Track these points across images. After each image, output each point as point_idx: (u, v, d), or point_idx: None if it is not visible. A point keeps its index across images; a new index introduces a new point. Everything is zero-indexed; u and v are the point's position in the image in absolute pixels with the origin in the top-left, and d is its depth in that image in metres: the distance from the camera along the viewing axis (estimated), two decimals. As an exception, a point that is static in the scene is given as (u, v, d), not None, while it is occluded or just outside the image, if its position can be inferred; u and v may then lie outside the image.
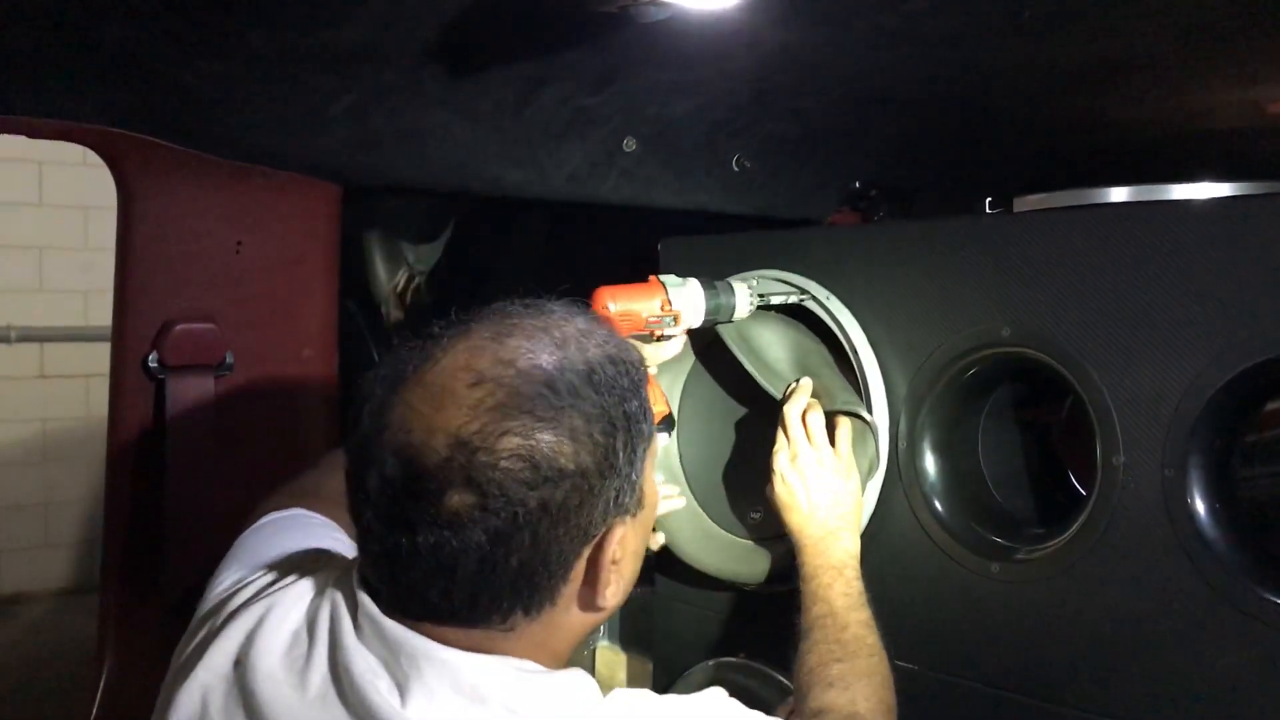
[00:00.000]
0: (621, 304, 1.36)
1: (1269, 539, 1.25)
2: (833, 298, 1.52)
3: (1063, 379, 1.31)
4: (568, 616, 0.93)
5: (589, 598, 0.93)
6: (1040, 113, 1.94)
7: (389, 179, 1.83)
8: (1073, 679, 1.29)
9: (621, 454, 0.90)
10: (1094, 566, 1.27)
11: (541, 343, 0.89)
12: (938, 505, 1.44)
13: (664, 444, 1.68)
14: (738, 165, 2.00)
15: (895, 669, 1.24)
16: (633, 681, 2.06)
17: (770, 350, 1.54)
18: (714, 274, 1.49)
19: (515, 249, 2.57)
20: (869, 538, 1.43)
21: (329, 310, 1.85)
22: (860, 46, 1.56)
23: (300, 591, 0.97)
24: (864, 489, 1.44)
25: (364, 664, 0.88)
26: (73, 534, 4.85)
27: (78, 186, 4.59)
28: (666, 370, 1.69)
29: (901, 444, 1.47)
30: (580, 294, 1.33)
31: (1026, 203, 1.49)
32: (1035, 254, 1.33)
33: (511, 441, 0.84)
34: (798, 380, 1.47)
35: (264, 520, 1.17)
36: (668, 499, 1.59)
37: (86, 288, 4.70)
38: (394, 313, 2.63)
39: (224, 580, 1.08)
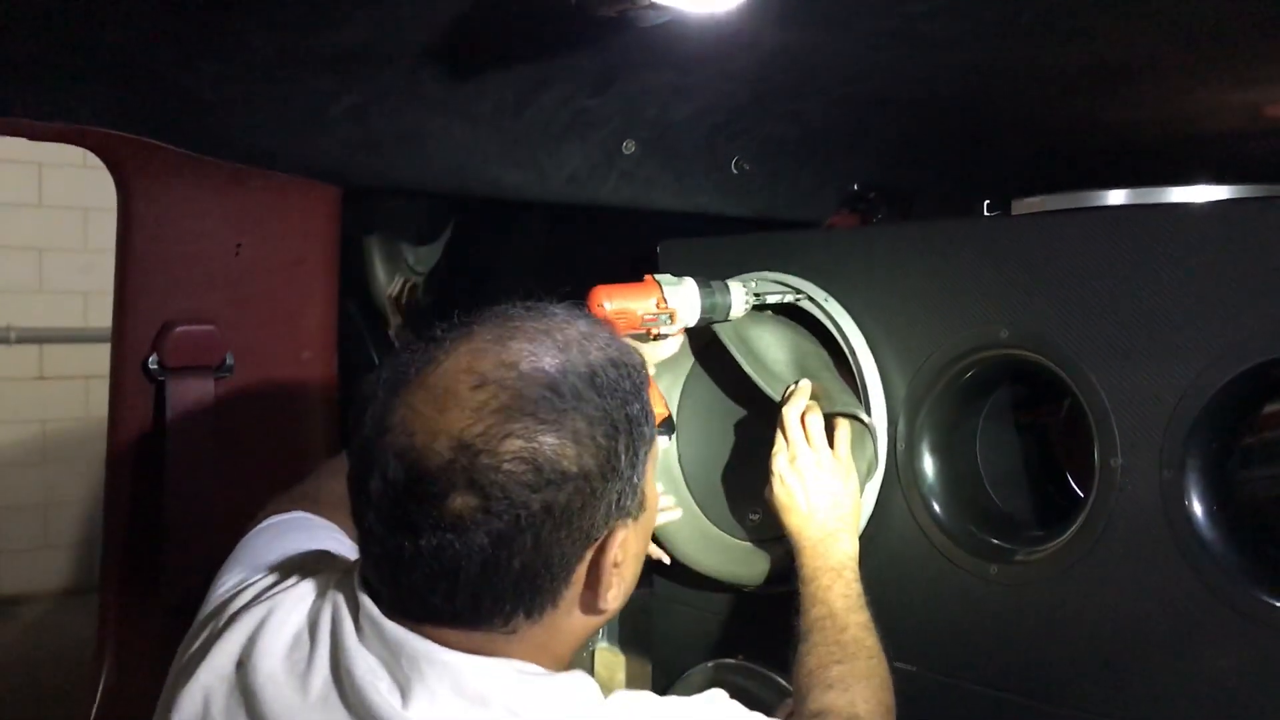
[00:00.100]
0: (617, 303, 1.37)
1: (1267, 541, 1.25)
2: (831, 299, 1.53)
3: (1061, 381, 1.32)
4: (569, 619, 0.93)
5: (590, 600, 0.93)
6: (1039, 115, 1.94)
7: (389, 181, 1.83)
8: (1071, 680, 1.29)
9: (624, 457, 0.90)
10: (1092, 568, 1.27)
11: (544, 345, 0.90)
12: (936, 507, 1.45)
13: (664, 446, 1.69)
14: (737, 167, 2.00)
15: (894, 671, 1.25)
16: (631, 683, 2.06)
17: (769, 352, 1.55)
18: (713, 276, 1.49)
19: (515, 251, 2.57)
20: (868, 539, 1.43)
21: (329, 312, 1.85)
22: (859, 49, 1.57)
23: (302, 593, 0.97)
24: (862, 491, 1.44)
25: (365, 666, 0.88)
26: (72, 535, 4.85)
27: (77, 188, 4.58)
28: (666, 373, 1.69)
29: (900, 446, 1.47)
30: (581, 296, 1.33)
31: (1025, 205, 1.49)
32: (1033, 256, 1.33)
33: (514, 444, 0.84)
34: (796, 382, 1.48)
35: (266, 523, 1.17)
36: (665, 510, 1.59)
37: (86, 289, 4.70)
38: (393, 318, 2.63)
39: (226, 582, 1.08)
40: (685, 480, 1.73)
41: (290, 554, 1.09)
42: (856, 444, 1.44)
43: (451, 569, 0.85)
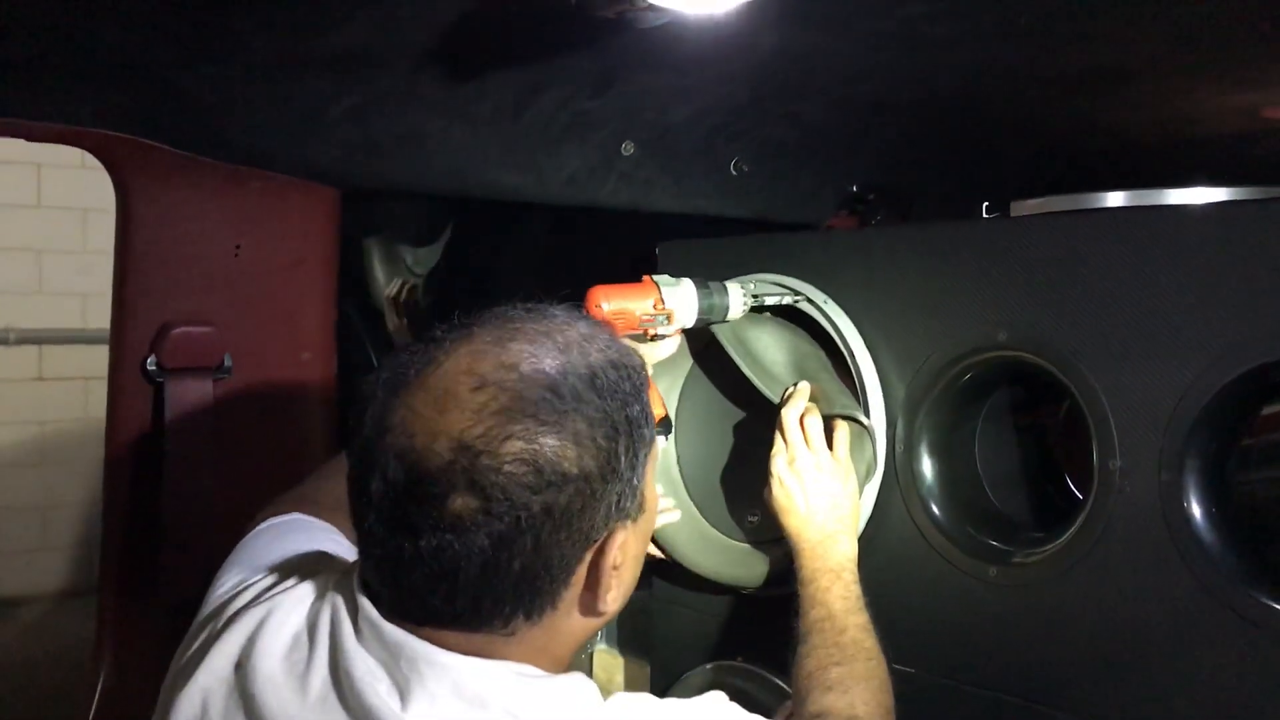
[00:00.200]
0: (615, 303, 1.37)
1: (1265, 543, 1.26)
2: (830, 301, 1.53)
3: (1060, 383, 1.32)
4: (569, 621, 0.93)
5: (590, 602, 0.93)
6: (1037, 117, 1.94)
7: (388, 182, 1.83)
8: (1070, 682, 1.29)
9: (624, 458, 0.90)
10: (1091, 570, 1.27)
11: (544, 347, 0.89)
12: (935, 509, 1.45)
13: (661, 447, 1.69)
14: (736, 169, 2.00)
15: (893, 672, 1.25)
16: (630, 685, 2.06)
17: (768, 354, 1.55)
18: (712, 277, 1.49)
19: (514, 252, 2.57)
20: (866, 541, 1.43)
21: (328, 313, 1.85)
22: (858, 51, 1.57)
23: (301, 595, 0.97)
24: (861, 493, 1.44)
25: (364, 667, 0.88)
26: (71, 536, 4.85)
27: (76, 189, 4.58)
28: (665, 374, 1.69)
29: (899, 448, 1.47)
30: (580, 297, 1.33)
31: (1023, 207, 1.49)
32: (1032, 258, 1.33)
33: (515, 445, 0.84)
34: (795, 384, 1.48)
35: (264, 525, 1.17)
36: (664, 511, 1.59)
37: (85, 290, 4.70)
38: (391, 320, 2.63)
39: (224, 584, 1.08)
40: (684, 482, 1.73)
41: (289, 555, 1.09)
42: (855, 446, 1.44)
43: (451, 570, 0.85)
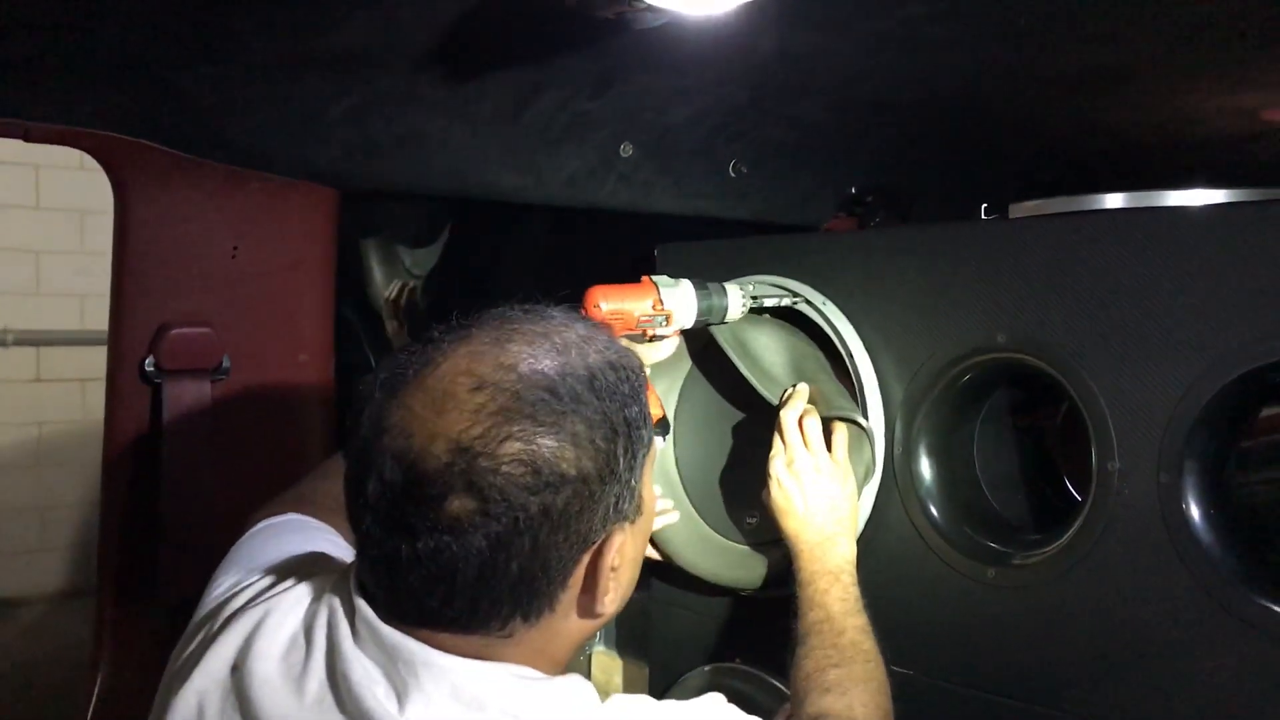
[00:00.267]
0: (613, 303, 1.36)
1: (1264, 545, 1.26)
2: (829, 303, 1.53)
3: (1058, 385, 1.32)
4: (566, 623, 0.93)
5: (588, 604, 0.93)
6: (1036, 118, 1.94)
7: (387, 184, 1.83)
8: (1068, 684, 1.29)
9: (622, 460, 0.90)
10: (1089, 571, 1.27)
11: (543, 348, 0.89)
12: (933, 510, 1.45)
13: (658, 448, 1.68)
14: (735, 170, 2.00)
15: (891, 674, 1.24)
16: (628, 686, 2.05)
17: (767, 355, 1.55)
18: (711, 278, 1.49)
19: (513, 253, 2.57)
20: (865, 543, 1.43)
21: (326, 314, 1.85)
22: (857, 52, 1.57)
23: (297, 596, 0.97)
24: (860, 494, 1.44)
25: (361, 670, 0.88)
26: (68, 538, 4.84)
27: (74, 190, 4.58)
28: (663, 375, 1.69)
29: (897, 449, 1.47)
30: (579, 298, 1.33)
31: (1022, 209, 1.49)
32: (1031, 260, 1.33)
33: (513, 446, 0.84)
34: (794, 386, 1.48)
35: (260, 525, 1.17)
36: (662, 513, 1.59)
37: (83, 291, 4.69)
38: (389, 321, 2.63)
39: (221, 585, 1.08)
40: (683, 483, 1.73)
41: (285, 556, 1.09)
42: (854, 447, 1.44)
43: (449, 572, 0.84)
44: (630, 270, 1.46)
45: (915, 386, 1.45)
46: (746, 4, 1.15)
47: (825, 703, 1.18)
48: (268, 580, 1.03)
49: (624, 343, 1.01)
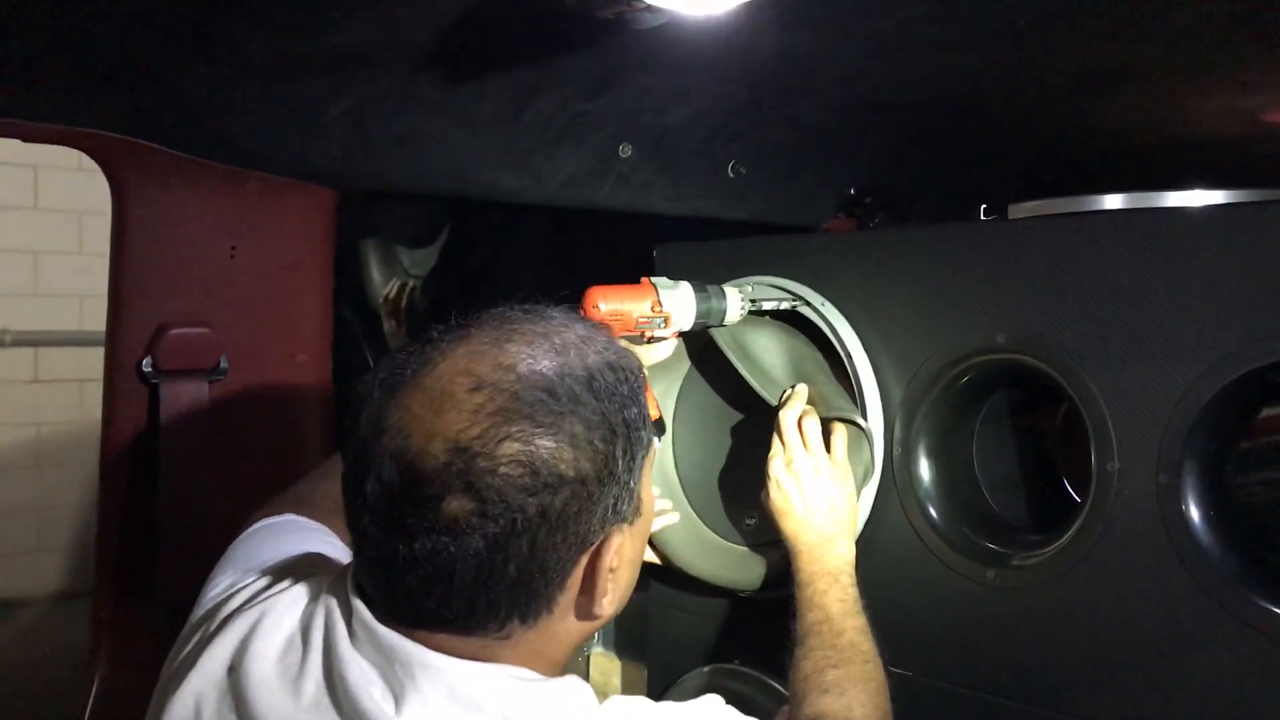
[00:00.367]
0: (612, 304, 1.36)
1: (1263, 545, 1.25)
2: (828, 304, 1.53)
3: (1057, 385, 1.31)
4: (564, 625, 0.92)
5: (586, 606, 0.92)
6: (1036, 120, 1.94)
7: (385, 184, 1.83)
8: (1067, 685, 1.29)
9: (620, 461, 0.90)
10: (1089, 572, 1.27)
11: (541, 348, 0.89)
12: (932, 511, 1.45)
13: (656, 448, 1.68)
14: (734, 171, 2.00)
15: (890, 675, 1.24)
16: (627, 688, 2.05)
17: (766, 356, 1.55)
18: (710, 279, 1.49)
19: (512, 254, 2.57)
20: (864, 544, 1.43)
21: (324, 315, 1.85)
22: (856, 53, 1.56)
23: (294, 597, 0.97)
24: (859, 495, 1.44)
25: (358, 671, 0.88)
26: (66, 539, 4.84)
27: (73, 191, 4.58)
28: (662, 376, 1.69)
29: (896, 450, 1.47)
30: (578, 299, 1.33)
31: (1021, 209, 1.49)
32: (1030, 261, 1.33)
33: (511, 447, 0.83)
34: (793, 386, 1.47)
35: (257, 526, 1.17)
36: (661, 514, 1.59)
37: (81, 292, 4.70)
38: (387, 322, 2.63)
39: (217, 585, 1.07)
40: (681, 484, 1.73)
41: (282, 557, 1.08)
42: (853, 448, 1.44)
43: (446, 573, 0.84)
44: (629, 271, 1.46)
45: (914, 387, 1.45)
46: (746, 4, 1.15)
47: (824, 703, 1.18)
48: (265, 581, 1.03)
49: (623, 344, 1.01)
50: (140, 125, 1.54)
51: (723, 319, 1.48)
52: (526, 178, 1.84)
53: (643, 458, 0.94)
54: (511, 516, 0.83)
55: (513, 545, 0.84)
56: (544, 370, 0.87)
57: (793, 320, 1.58)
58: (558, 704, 0.89)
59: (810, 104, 1.82)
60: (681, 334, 1.48)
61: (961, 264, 1.40)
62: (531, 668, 0.90)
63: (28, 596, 4.74)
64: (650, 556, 1.63)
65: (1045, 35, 1.46)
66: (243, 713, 0.90)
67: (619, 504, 0.91)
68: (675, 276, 1.45)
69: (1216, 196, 1.31)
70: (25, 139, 1.50)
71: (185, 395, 1.67)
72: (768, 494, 1.40)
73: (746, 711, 1.01)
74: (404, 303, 2.62)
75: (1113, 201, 1.39)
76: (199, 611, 1.05)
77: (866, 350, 1.50)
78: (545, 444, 0.85)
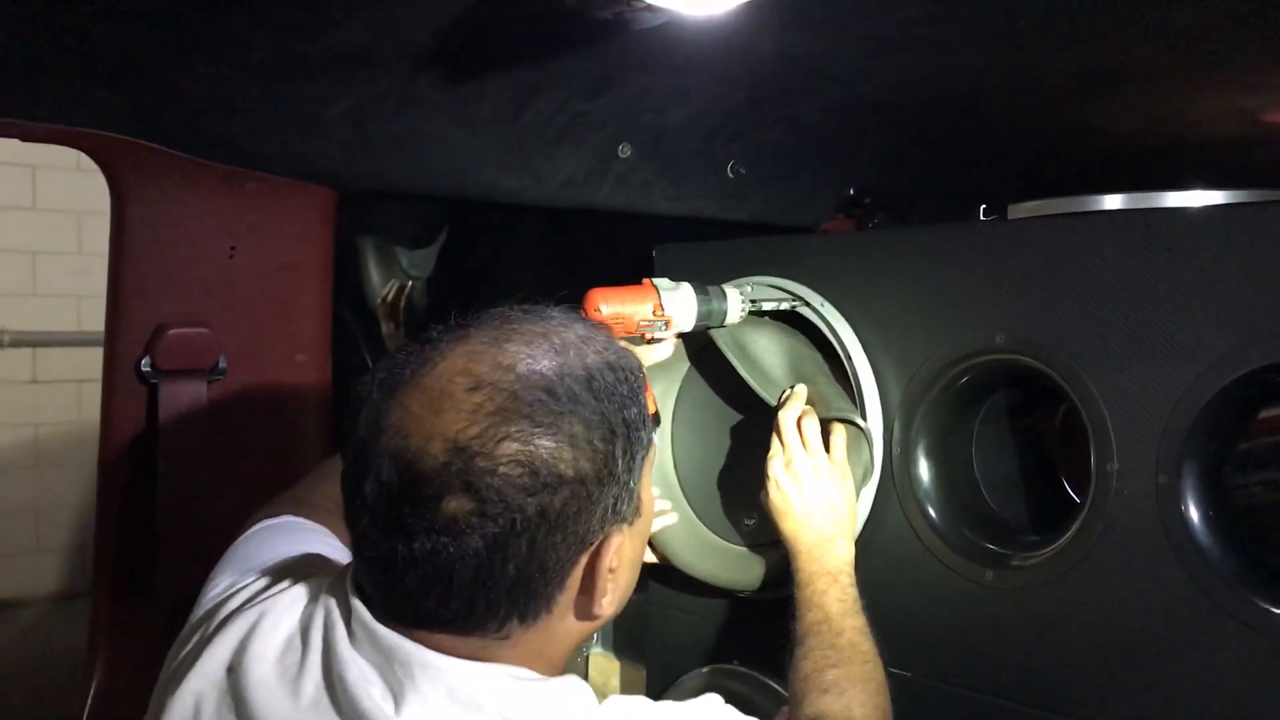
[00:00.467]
0: (613, 306, 1.36)
1: (1262, 546, 1.25)
2: (827, 304, 1.53)
3: (1057, 386, 1.31)
4: (564, 625, 0.92)
5: (585, 606, 0.92)
6: (1035, 120, 1.94)
7: (384, 184, 1.83)
8: (1067, 686, 1.29)
9: (620, 461, 0.90)
10: (1088, 573, 1.27)
11: (541, 348, 0.89)
12: (932, 512, 1.44)
13: (656, 448, 1.68)
14: (733, 172, 2.00)
15: (889, 675, 1.24)
16: (626, 688, 2.05)
17: (765, 356, 1.55)
18: (710, 280, 1.49)
19: (511, 254, 2.56)
20: (863, 544, 1.43)
21: (323, 315, 1.85)
22: (856, 53, 1.56)
23: (293, 597, 0.97)
24: (858, 495, 1.44)
25: (358, 671, 0.87)
26: (65, 539, 4.84)
27: (71, 191, 4.58)
28: (662, 376, 1.69)
29: (896, 450, 1.47)
30: (578, 299, 1.33)
31: (1021, 210, 1.49)
32: (1029, 261, 1.33)
33: (510, 447, 0.83)
34: (792, 387, 1.47)
35: (256, 527, 1.17)
36: (660, 514, 1.59)
37: (80, 292, 4.69)
38: (385, 323, 2.63)
39: (216, 586, 1.07)
40: (681, 485, 1.73)
41: (281, 558, 1.08)
42: (852, 449, 1.44)
43: (445, 573, 0.84)
44: (629, 271, 1.46)
45: (914, 387, 1.45)
46: (746, 4, 1.15)
47: (823, 703, 1.18)
48: (264, 581, 1.03)
49: (622, 343, 1.01)
50: (140, 125, 1.54)
51: (723, 320, 1.48)
52: (526, 178, 1.84)
53: (643, 458, 0.94)
54: (511, 516, 0.83)
55: (512, 545, 0.84)
56: (543, 370, 0.87)
57: (792, 321, 1.58)
58: (557, 704, 0.89)
59: (810, 104, 1.82)
60: (681, 334, 1.48)
61: (961, 264, 1.40)
62: (531, 668, 0.90)
63: (27, 597, 4.74)
64: (650, 556, 1.63)
65: (1045, 35, 1.46)
66: (242, 713, 0.90)
67: (619, 504, 0.91)
68: (675, 277, 1.45)
69: (1216, 197, 1.31)
70: (25, 139, 1.50)
71: (184, 395, 1.67)
72: (767, 494, 1.40)
73: (746, 711, 1.01)
74: (401, 305, 2.62)
75: (1112, 202, 1.39)
76: (198, 612, 1.05)
77: (866, 350, 1.49)
78: (544, 444, 0.85)
